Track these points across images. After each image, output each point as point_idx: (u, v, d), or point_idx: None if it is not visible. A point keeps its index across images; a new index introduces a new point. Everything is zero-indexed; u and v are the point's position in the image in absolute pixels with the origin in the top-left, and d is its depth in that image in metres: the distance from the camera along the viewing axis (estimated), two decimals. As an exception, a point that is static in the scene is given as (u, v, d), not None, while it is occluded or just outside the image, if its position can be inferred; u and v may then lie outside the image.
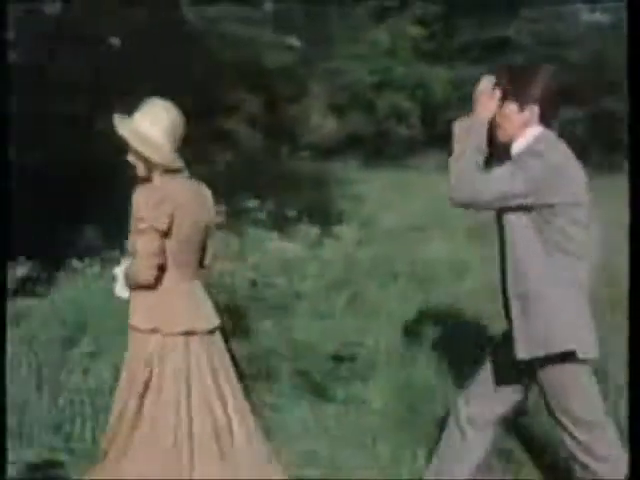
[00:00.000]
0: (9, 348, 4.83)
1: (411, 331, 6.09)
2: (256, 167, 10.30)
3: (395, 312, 6.63)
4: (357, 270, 7.80)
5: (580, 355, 3.30)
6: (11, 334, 5.05)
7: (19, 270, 5.49)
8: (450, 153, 3.42)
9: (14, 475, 3.90)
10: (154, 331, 3.62)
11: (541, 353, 3.34)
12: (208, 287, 5.84)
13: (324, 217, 9.16)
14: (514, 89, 3.42)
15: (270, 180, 10.37)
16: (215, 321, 3.82)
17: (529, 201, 3.29)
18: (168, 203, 3.56)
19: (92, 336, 5.39)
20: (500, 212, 3.43)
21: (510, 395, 3.64)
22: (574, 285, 3.36)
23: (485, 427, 3.66)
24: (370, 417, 4.99)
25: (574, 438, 3.41)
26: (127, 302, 3.76)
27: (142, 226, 3.52)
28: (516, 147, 3.43)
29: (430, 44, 21.16)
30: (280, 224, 8.20)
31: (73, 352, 5.20)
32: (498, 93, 3.42)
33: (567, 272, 3.35)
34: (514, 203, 3.30)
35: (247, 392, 4.94)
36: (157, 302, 3.65)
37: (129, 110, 3.70)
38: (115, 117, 3.63)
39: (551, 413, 3.47)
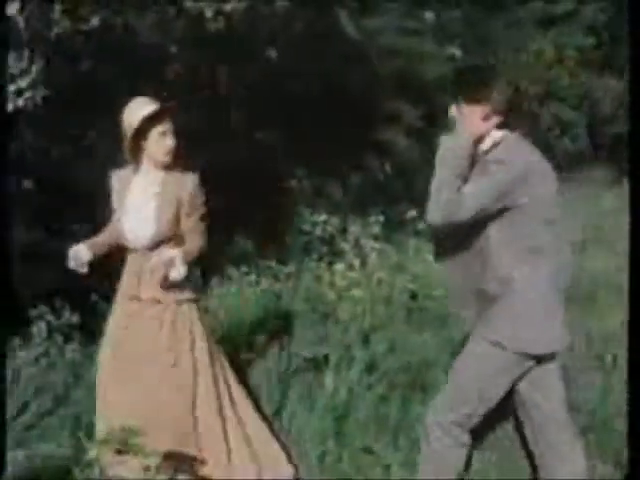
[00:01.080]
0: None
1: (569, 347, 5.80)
2: (415, 178, 10.14)
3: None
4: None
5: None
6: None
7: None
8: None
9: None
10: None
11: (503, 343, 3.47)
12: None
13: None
14: (470, 90, 3.48)
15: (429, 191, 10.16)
16: None
17: (500, 205, 3.35)
18: None
19: (246, 343, 5.40)
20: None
21: None
22: (539, 282, 3.44)
23: None
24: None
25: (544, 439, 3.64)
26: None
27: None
28: (482, 148, 3.49)
29: (598, 53, 20.42)
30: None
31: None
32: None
33: (533, 270, 3.43)
34: (490, 212, 3.36)
35: (400, 402, 4.84)
36: None
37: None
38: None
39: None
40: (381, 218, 7.16)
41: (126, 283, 4.00)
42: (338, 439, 4.45)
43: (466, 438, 3.62)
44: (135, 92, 6.49)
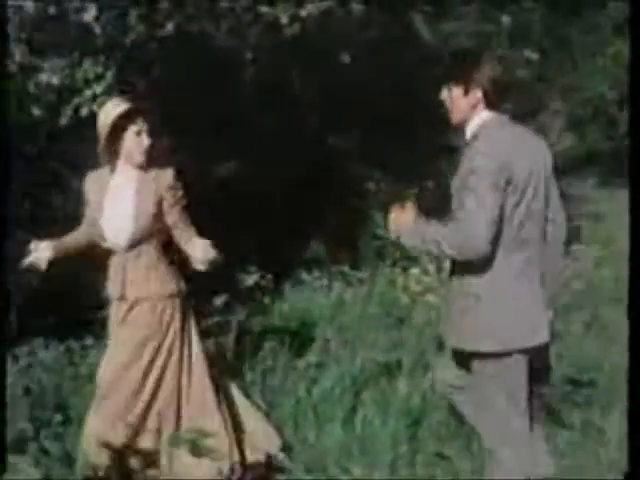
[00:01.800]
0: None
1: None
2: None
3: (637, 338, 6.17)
4: (596, 292, 7.38)
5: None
6: (235, 341, 5.12)
7: (248, 279, 5.57)
8: None
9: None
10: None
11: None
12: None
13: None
14: (458, 73, 3.46)
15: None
16: None
17: (501, 200, 3.28)
18: None
19: (319, 347, 5.38)
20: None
21: None
22: (518, 275, 3.38)
23: None
24: (607, 447, 4.60)
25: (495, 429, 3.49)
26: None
27: None
28: (467, 132, 3.49)
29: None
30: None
31: (300, 362, 5.19)
32: (410, 207, 3.49)
33: (515, 262, 3.36)
34: (501, 206, 3.28)
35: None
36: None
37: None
38: None
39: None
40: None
41: (112, 285, 4.06)
42: (411, 444, 4.41)
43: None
44: (209, 96, 6.51)
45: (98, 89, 5.97)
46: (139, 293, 3.99)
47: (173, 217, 4.03)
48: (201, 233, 4.06)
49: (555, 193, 3.57)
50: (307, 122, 8.35)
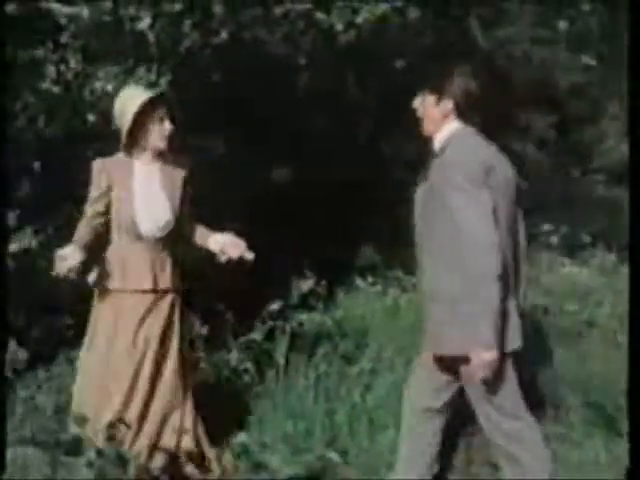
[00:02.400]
0: (280, 360, 4.93)
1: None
2: (547, 190, 9.90)
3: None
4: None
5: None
6: (288, 346, 5.09)
7: (303, 285, 5.56)
8: None
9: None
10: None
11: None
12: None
13: (619, 244, 8.63)
14: (433, 82, 3.54)
15: (563, 204, 9.96)
16: None
17: (493, 205, 3.32)
18: None
19: (372, 353, 5.34)
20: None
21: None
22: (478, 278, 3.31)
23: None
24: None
25: (500, 428, 3.51)
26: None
27: None
28: (436, 143, 3.53)
29: None
30: (573, 249, 7.97)
31: (353, 368, 5.15)
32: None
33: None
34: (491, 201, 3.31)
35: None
36: None
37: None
38: None
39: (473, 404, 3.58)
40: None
41: (130, 276, 3.96)
42: (466, 452, 4.44)
43: None
44: (263, 102, 6.49)
45: (151, 96, 5.99)
46: (168, 284, 4.00)
47: (189, 212, 4.13)
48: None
49: (520, 204, 3.61)
50: (361, 127, 8.34)
